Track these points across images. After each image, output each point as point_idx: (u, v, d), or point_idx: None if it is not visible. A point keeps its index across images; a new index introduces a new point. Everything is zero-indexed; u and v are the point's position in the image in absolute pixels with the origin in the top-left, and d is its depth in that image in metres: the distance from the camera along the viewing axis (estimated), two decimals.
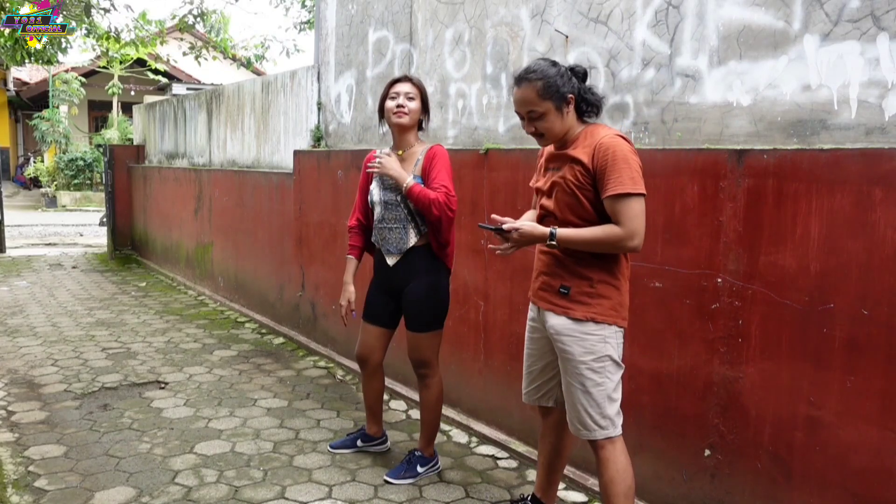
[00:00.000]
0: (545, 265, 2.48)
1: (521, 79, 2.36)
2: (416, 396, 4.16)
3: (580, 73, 2.40)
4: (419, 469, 3.26)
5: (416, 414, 4.07)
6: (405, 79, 3.14)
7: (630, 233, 2.23)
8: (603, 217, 2.32)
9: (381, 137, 4.64)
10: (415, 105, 3.10)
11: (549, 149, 2.50)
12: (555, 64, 2.36)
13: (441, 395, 3.27)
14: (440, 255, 3.17)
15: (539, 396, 2.65)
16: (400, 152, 3.18)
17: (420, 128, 3.19)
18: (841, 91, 2.34)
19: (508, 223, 2.38)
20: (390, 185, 3.13)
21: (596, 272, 2.36)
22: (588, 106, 2.40)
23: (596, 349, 2.35)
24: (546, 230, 2.32)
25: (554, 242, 2.31)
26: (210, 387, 4.51)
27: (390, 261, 3.18)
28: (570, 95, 2.35)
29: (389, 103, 3.10)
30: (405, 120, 3.09)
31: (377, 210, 3.19)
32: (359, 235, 3.32)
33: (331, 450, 3.54)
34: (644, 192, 2.25)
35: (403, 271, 3.17)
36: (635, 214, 2.23)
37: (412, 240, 3.12)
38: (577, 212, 2.35)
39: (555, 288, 2.43)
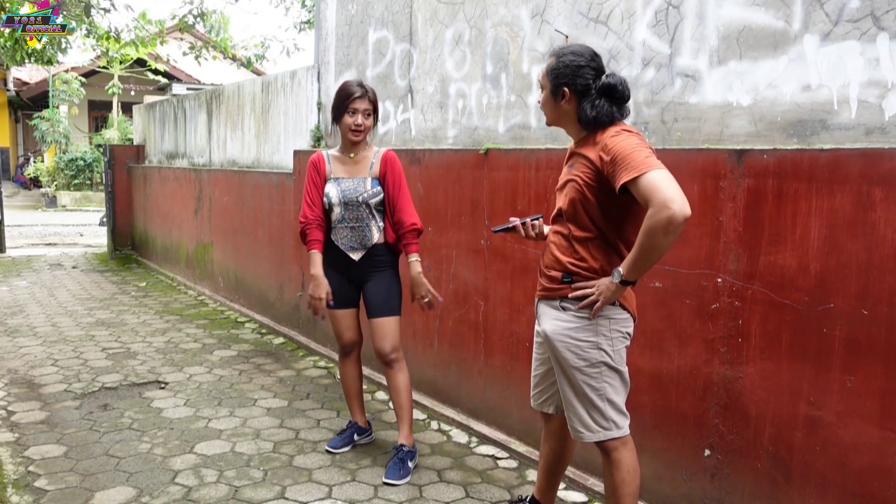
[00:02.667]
0: (543, 264, 2.46)
1: (551, 54, 2.38)
2: (415, 395, 4.18)
3: (606, 86, 2.28)
4: (409, 464, 3.31)
5: (416, 414, 4.07)
6: (363, 95, 3.27)
7: (660, 204, 2.02)
8: (609, 217, 2.30)
9: (381, 139, 4.65)
10: (370, 122, 3.32)
11: (571, 145, 2.46)
12: (589, 59, 2.30)
13: (410, 378, 3.41)
14: (395, 247, 3.38)
15: (541, 402, 2.63)
16: (352, 155, 3.36)
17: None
18: (841, 91, 2.34)
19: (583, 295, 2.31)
20: (349, 186, 3.30)
21: (597, 262, 2.32)
22: (581, 112, 2.30)
23: (589, 356, 2.33)
24: (610, 278, 2.25)
25: (620, 278, 2.21)
26: (210, 387, 4.51)
27: (355, 256, 3.34)
28: (565, 89, 2.30)
29: (348, 119, 3.27)
30: (361, 138, 3.32)
31: (336, 210, 3.32)
32: (319, 230, 3.35)
33: (330, 450, 3.55)
34: (657, 167, 2.09)
35: (367, 265, 3.35)
36: (655, 186, 2.04)
37: (375, 236, 3.33)
38: (586, 208, 2.30)
39: (556, 279, 2.38)
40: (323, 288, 3.31)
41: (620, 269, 2.22)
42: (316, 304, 3.34)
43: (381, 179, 3.31)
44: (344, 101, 3.27)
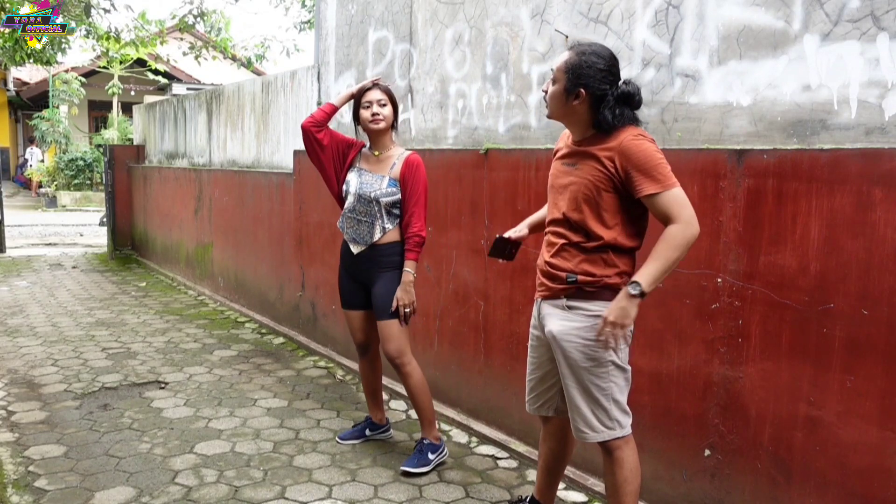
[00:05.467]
0: (545, 265, 2.43)
1: (570, 47, 2.36)
2: None
3: (624, 94, 2.28)
4: (430, 456, 3.36)
5: (416, 414, 4.08)
6: (374, 86, 3.34)
7: (688, 219, 2.17)
8: (612, 224, 2.28)
9: None
10: (388, 111, 3.33)
11: (568, 142, 2.42)
12: (609, 63, 2.28)
13: (423, 378, 3.40)
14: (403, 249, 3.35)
15: (538, 406, 2.62)
16: (377, 153, 3.39)
17: (393, 127, 3.40)
18: (841, 91, 2.34)
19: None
20: (368, 180, 3.32)
21: (607, 268, 2.32)
22: (601, 118, 2.28)
23: (598, 356, 2.32)
24: (625, 292, 2.21)
25: (640, 291, 2.19)
26: (210, 387, 4.51)
27: (355, 249, 3.39)
28: (581, 90, 2.27)
29: (364, 112, 3.32)
30: (382, 126, 3.32)
31: (349, 199, 3.36)
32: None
33: (339, 441, 3.62)
34: (678, 184, 2.21)
35: (368, 263, 3.37)
36: (682, 203, 2.19)
37: (377, 235, 3.32)
38: (596, 211, 2.29)
39: (560, 279, 2.36)
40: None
41: (641, 282, 2.18)
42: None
43: (401, 181, 3.29)
44: (357, 99, 3.34)
